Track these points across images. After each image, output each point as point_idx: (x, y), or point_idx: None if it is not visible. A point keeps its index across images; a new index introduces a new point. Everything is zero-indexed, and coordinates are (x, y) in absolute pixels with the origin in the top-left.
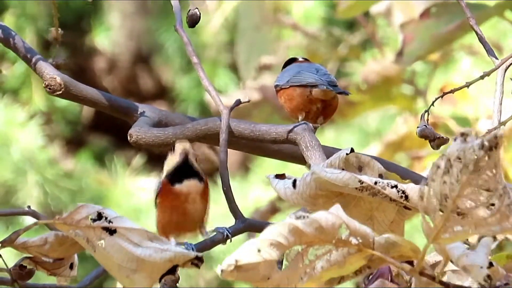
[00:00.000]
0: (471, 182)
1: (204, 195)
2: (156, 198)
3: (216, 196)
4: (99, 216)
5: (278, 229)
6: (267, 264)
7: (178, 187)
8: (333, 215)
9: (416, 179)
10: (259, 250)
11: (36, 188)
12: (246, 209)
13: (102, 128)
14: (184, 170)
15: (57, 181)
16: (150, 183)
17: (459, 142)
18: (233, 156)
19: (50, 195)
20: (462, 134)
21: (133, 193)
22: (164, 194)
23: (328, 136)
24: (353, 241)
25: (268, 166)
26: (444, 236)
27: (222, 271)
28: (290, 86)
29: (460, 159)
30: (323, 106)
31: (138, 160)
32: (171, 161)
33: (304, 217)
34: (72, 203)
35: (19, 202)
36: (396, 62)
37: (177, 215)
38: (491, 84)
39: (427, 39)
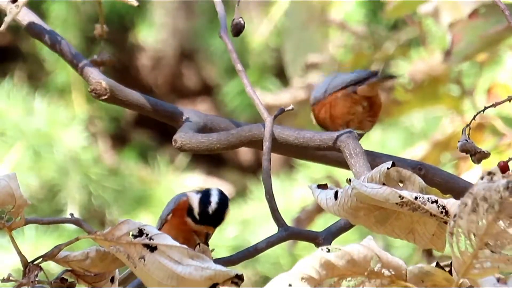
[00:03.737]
0: (497, 221)
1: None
2: (168, 213)
3: (260, 195)
4: (140, 232)
5: (309, 262)
6: None
7: (190, 223)
8: (364, 247)
9: (461, 185)
10: (290, 285)
11: (79, 187)
12: (291, 209)
13: (146, 124)
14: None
15: (101, 180)
16: (194, 181)
17: (485, 181)
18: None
19: (94, 195)
20: (489, 173)
21: (177, 191)
22: (177, 213)
23: (374, 135)
24: (386, 273)
25: (313, 165)
26: (473, 272)
27: None
28: (328, 95)
29: (486, 199)
30: (369, 104)
31: (182, 157)
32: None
33: (336, 249)
34: (116, 202)
35: (62, 202)
36: (445, 62)
37: (181, 238)
38: None
39: (475, 39)
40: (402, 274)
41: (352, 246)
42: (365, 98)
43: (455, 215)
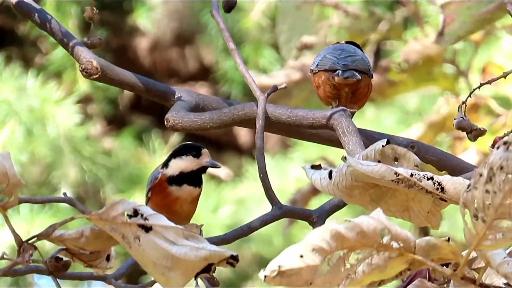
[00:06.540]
0: None
1: (194, 200)
2: (148, 191)
3: (256, 175)
4: (135, 212)
5: (320, 234)
6: (309, 269)
7: (174, 189)
8: (374, 219)
9: (453, 162)
10: (301, 256)
11: (73, 165)
12: (287, 188)
13: (143, 107)
14: (191, 176)
15: (95, 158)
16: None
17: (502, 150)
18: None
19: (87, 173)
20: (505, 143)
21: None
22: (157, 189)
23: (369, 115)
24: (394, 245)
25: (308, 145)
26: (486, 243)
27: (265, 276)
28: (319, 70)
29: (502, 168)
30: (351, 91)
31: (176, 137)
32: (188, 162)
33: (346, 221)
34: (110, 180)
35: (56, 180)
36: (437, 42)
37: (166, 213)
38: None
39: (468, 19)
40: (410, 247)
41: (362, 218)
42: (346, 85)
43: (468, 186)
